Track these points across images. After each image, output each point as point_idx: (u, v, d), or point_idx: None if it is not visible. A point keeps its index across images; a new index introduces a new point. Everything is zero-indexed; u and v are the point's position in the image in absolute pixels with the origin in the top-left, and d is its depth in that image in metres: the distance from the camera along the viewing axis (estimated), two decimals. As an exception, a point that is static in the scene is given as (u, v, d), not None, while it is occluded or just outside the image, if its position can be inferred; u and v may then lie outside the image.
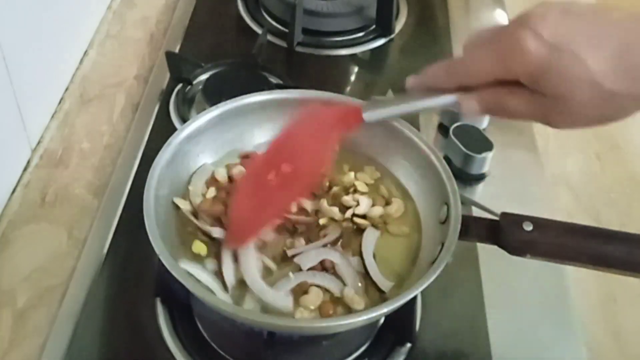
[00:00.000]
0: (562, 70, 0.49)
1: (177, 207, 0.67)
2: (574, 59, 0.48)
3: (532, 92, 0.51)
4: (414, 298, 0.66)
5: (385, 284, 0.63)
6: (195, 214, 0.67)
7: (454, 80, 0.54)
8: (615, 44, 0.48)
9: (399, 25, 1.06)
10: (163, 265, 0.57)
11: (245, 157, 0.73)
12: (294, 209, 0.68)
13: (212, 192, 0.69)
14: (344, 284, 0.63)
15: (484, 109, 0.54)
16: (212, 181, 0.70)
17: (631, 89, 0.49)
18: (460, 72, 0.54)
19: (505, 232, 0.62)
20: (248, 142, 0.74)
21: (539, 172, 0.85)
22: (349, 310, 0.62)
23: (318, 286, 0.63)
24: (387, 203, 0.70)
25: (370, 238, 0.66)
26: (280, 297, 0.61)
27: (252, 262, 0.63)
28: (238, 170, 0.71)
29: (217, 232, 0.65)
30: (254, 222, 0.64)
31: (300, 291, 0.62)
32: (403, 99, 0.59)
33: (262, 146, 0.73)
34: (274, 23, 1.04)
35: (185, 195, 0.68)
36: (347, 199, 0.69)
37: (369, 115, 0.60)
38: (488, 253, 0.70)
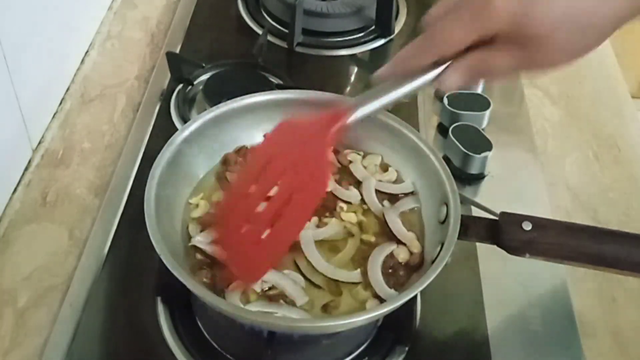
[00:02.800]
0: (537, 13, 0.49)
1: (177, 206, 0.68)
2: (546, 1, 0.49)
3: (511, 44, 0.51)
4: (414, 298, 0.66)
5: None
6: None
7: (429, 56, 0.53)
8: None
9: (398, 26, 1.06)
10: (164, 265, 0.57)
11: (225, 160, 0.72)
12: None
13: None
14: None
15: (466, 76, 0.53)
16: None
17: (606, 16, 0.50)
18: (433, 46, 0.53)
19: (505, 232, 0.62)
20: (248, 143, 0.74)
21: (538, 172, 0.85)
22: None
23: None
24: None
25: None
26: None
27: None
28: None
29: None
30: (261, 257, 0.59)
31: None
32: (383, 90, 0.56)
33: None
34: (274, 23, 1.04)
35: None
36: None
37: (353, 118, 0.57)
38: (487, 253, 0.70)
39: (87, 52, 0.98)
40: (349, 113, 0.57)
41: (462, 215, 0.63)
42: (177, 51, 0.97)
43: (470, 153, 0.81)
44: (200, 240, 0.64)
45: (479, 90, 0.91)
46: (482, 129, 0.85)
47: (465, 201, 0.69)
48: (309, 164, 0.58)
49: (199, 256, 0.64)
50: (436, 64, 0.54)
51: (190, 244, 0.64)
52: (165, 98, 0.90)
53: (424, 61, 0.54)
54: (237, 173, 0.68)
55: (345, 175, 0.72)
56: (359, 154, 0.73)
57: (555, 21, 0.49)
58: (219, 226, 0.62)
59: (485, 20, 0.50)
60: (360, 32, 1.04)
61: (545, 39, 0.50)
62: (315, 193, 0.58)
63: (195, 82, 0.91)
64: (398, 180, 0.72)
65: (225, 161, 0.72)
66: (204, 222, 0.66)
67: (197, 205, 0.68)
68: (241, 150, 0.73)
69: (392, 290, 0.62)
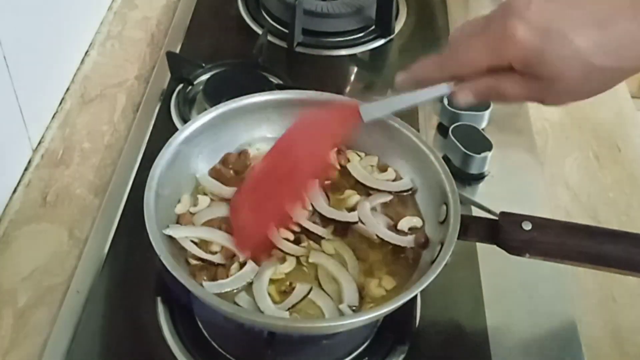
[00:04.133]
0: (553, 53, 0.51)
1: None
2: (562, 40, 0.50)
3: (524, 75, 0.53)
4: (414, 298, 0.66)
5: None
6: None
7: (446, 72, 0.56)
8: (597, 19, 0.50)
9: (398, 26, 1.06)
10: (164, 265, 0.57)
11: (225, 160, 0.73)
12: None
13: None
14: None
15: (478, 96, 0.56)
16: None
17: (617, 61, 0.51)
18: (452, 64, 0.55)
19: (505, 232, 0.62)
20: (248, 143, 0.74)
21: (538, 171, 0.85)
22: None
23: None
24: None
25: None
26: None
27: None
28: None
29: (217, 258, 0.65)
30: (260, 228, 0.64)
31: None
32: (398, 95, 0.60)
33: (262, 145, 0.74)
34: (274, 23, 1.04)
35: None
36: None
37: (367, 115, 0.61)
38: (487, 253, 0.70)
39: (87, 52, 0.98)
40: (362, 113, 0.61)
41: (462, 215, 0.63)
42: (177, 51, 0.97)
43: (470, 153, 0.81)
44: (172, 232, 0.64)
45: (484, 124, 0.91)
46: (482, 129, 0.85)
47: (465, 201, 0.69)
48: (315, 156, 0.64)
49: (193, 262, 0.64)
50: (453, 79, 0.56)
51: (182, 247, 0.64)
52: (165, 98, 0.89)
53: (441, 75, 0.56)
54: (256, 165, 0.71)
55: (345, 175, 0.72)
56: (358, 154, 0.73)
57: (565, 61, 0.51)
58: (238, 196, 0.67)
59: (504, 49, 0.52)
60: (360, 32, 1.04)
61: (555, 79, 0.52)
62: (312, 180, 0.65)
63: (195, 82, 0.91)
64: (397, 179, 0.72)
65: (224, 160, 0.72)
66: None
67: (179, 201, 0.68)
68: (242, 153, 0.73)
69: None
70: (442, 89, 0.57)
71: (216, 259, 0.64)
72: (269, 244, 0.64)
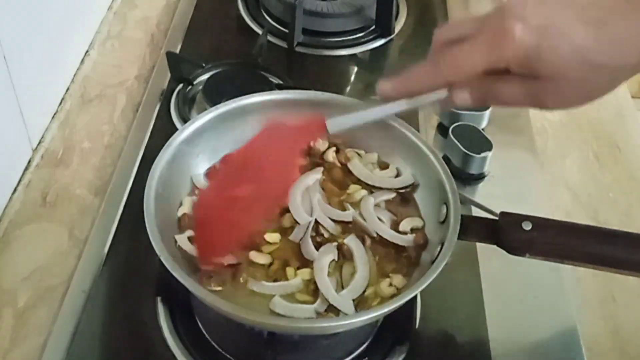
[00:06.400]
0: (552, 51, 0.50)
1: (177, 208, 0.68)
2: (560, 37, 0.49)
3: (522, 77, 0.52)
4: (414, 298, 0.66)
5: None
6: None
7: (440, 78, 0.54)
8: (595, 17, 0.49)
9: (398, 26, 1.06)
10: (164, 265, 0.57)
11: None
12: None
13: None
14: None
15: (476, 99, 0.54)
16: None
17: (616, 59, 0.50)
18: (448, 69, 0.53)
19: (505, 232, 0.62)
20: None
21: (538, 171, 0.85)
22: None
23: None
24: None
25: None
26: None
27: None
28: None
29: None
30: (221, 242, 0.62)
31: None
32: (367, 108, 0.58)
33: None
34: (274, 23, 1.04)
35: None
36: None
37: (334, 127, 0.59)
38: (487, 253, 0.70)
39: (87, 52, 0.98)
40: (328, 124, 0.59)
41: (462, 215, 0.63)
42: (177, 51, 0.97)
43: (470, 153, 0.81)
44: (182, 240, 0.64)
45: (484, 124, 0.91)
46: (482, 129, 0.85)
47: (465, 201, 0.69)
48: (277, 171, 0.61)
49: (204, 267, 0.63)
50: (448, 85, 0.54)
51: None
52: (165, 98, 0.90)
53: (435, 83, 0.54)
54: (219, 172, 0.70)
55: (347, 174, 0.72)
56: (357, 153, 0.73)
57: (564, 59, 0.50)
58: (200, 208, 0.65)
59: (503, 49, 0.50)
60: (360, 32, 1.04)
61: (554, 78, 0.51)
62: (276, 197, 0.63)
63: (195, 82, 0.91)
64: (398, 177, 0.72)
65: (224, 161, 0.72)
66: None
67: (181, 203, 0.68)
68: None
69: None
70: (437, 94, 0.54)
71: (227, 260, 0.63)
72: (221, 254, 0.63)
